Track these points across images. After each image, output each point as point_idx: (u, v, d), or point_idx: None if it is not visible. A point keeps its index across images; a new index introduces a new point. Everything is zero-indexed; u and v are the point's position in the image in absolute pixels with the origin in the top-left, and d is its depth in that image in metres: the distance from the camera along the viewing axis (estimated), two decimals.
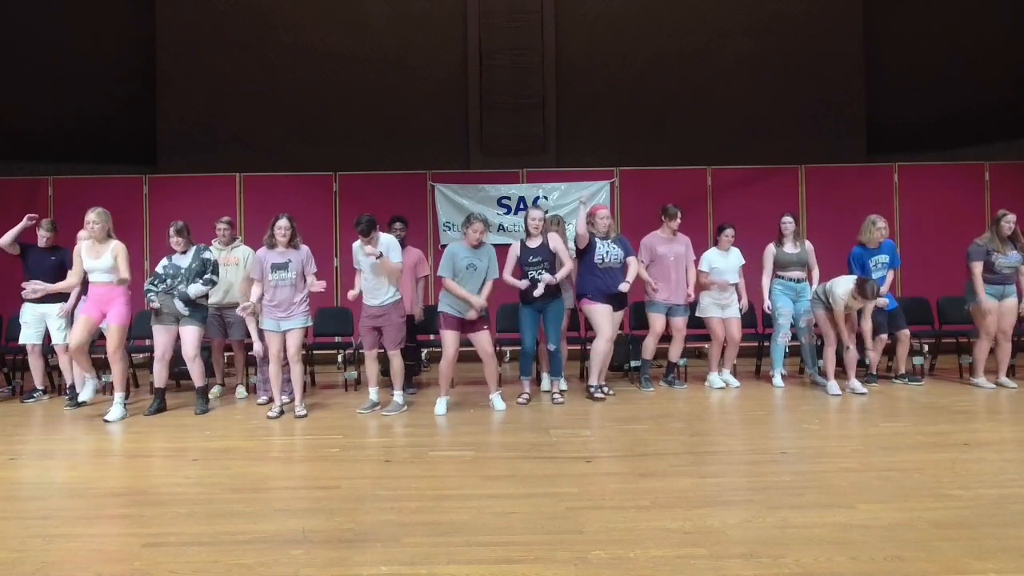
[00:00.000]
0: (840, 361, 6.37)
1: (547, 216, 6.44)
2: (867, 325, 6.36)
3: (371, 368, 5.93)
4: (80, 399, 5.99)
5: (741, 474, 3.92)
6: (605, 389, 6.27)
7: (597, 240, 6.14)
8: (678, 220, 6.59)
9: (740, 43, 10.96)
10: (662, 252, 6.50)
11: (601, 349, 6.12)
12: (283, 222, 5.69)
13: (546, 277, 5.85)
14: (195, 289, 5.82)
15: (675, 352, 6.77)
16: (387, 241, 5.74)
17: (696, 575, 2.60)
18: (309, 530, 3.10)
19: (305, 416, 5.63)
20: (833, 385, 6.25)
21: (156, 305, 5.83)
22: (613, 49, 11.02)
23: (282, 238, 5.66)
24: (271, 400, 6.24)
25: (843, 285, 6.14)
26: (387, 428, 5.26)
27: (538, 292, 5.86)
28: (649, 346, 6.69)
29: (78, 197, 8.88)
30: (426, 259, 7.03)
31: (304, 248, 5.80)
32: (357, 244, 5.75)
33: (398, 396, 5.85)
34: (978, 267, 6.26)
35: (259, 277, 5.71)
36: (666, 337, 6.72)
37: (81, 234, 5.95)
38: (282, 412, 5.72)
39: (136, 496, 3.69)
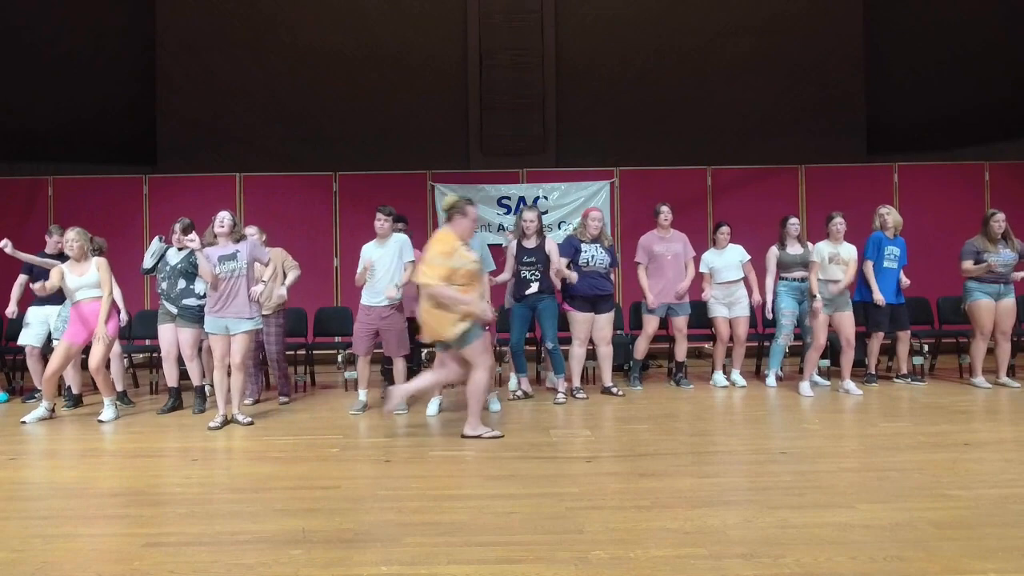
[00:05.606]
0: (838, 361, 6.35)
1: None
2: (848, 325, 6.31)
3: (363, 370, 5.79)
4: (101, 418, 5.55)
5: (741, 474, 3.92)
6: (614, 390, 6.31)
7: (583, 245, 6.18)
8: (663, 216, 6.62)
9: (740, 43, 10.96)
10: (658, 251, 6.54)
11: (576, 354, 6.22)
12: (224, 214, 5.42)
13: (533, 288, 5.96)
14: (201, 286, 5.72)
15: (680, 352, 6.79)
16: (400, 240, 5.71)
17: (696, 575, 2.60)
18: (309, 530, 3.10)
19: (251, 423, 5.31)
20: (805, 386, 6.22)
21: (154, 272, 5.87)
22: (613, 49, 11.02)
23: (220, 228, 5.35)
24: (257, 401, 6.20)
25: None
26: (387, 428, 5.26)
27: (530, 290, 5.95)
28: (640, 347, 6.74)
29: (78, 197, 8.92)
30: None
31: (251, 239, 5.61)
32: (370, 245, 5.73)
33: None
34: (968, 263, 6.40)
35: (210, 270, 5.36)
36: (670, 337, 6.77)
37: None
38: (227, 421, 5.29)
39: (136, 496, 3.69)
